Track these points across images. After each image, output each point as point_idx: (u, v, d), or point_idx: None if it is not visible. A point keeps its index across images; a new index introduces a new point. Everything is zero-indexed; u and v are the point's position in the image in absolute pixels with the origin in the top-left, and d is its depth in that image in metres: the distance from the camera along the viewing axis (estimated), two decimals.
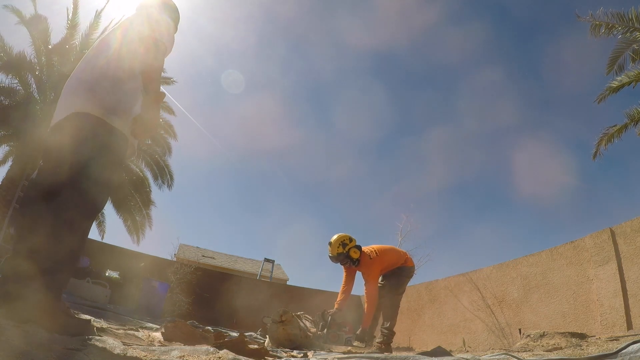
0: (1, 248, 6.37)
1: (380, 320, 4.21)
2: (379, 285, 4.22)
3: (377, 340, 4.04)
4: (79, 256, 1.79)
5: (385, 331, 4.00)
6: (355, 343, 3.91)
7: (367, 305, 3.98)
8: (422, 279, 8.52)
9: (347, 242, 4.06)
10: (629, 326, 4.15)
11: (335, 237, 4.10)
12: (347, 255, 4.02)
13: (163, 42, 1.86)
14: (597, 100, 7.58)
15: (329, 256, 4.10)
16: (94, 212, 1.76)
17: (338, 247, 4.03)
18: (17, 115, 7.78)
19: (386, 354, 2.97)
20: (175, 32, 2.17)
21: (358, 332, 4.00)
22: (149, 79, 1.76)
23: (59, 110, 1.77)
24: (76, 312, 3.09)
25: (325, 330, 3.92)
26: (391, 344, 4.06)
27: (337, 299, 4.18)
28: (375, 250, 4.15)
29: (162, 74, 9.40)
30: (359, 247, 4.09)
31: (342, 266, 4.23)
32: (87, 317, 2.26)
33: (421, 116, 34.44)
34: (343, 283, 4.30)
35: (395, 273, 4.20)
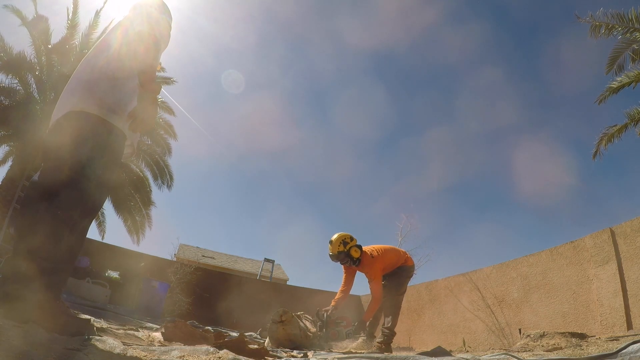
0: (1, 248, 6.37)
1: (381, 320, 4.20)
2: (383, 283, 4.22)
3: (378, 340, 4.04)
4: (78, 255, 1.79)
5: (387, 331, 4.00)
6: (360, 339, 3.90)
7: (372, 302, 3.98)
8: (422, 279, 8.52)
9: (348, 240, 4.05)
10: (629, 326, 4.15)
11: (336, 235, 4.09)
12: (348, 254, 4.01)
13: (163, 42, 1.86)
14: (598, 101, 7.58)
15: (330, 255, 4.09)
16: (92, 212, 1.76)
17: (339, 246, 4.02)
18: (17, 115, 7.77)
19: (386, 354, 2.97)
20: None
21: (356, 325, 4.00)
22: (149, 79, 1.74)
23: (57, 108, 1.78)
24: (76, 312, 3.09)
25: (324, 329, 3.91)
26: (391, 344, 4.06)
27: (335, 297, 4.17)
28: (376, 250, 4.15)
29: (163, 73, 9.34)
30: (359, 247, 4.07)
31: (342, 266, 4.22)
32: (87, 316, 2.26)
33: (421, 116, 34.47)
34: (342, 283, 4.29)
35: (395, 273, 4.21)
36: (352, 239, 4.07)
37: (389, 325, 4.01)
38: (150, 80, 1.73)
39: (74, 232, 1.65)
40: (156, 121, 9.32)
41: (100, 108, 1.69)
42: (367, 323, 4.04)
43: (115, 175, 1.79)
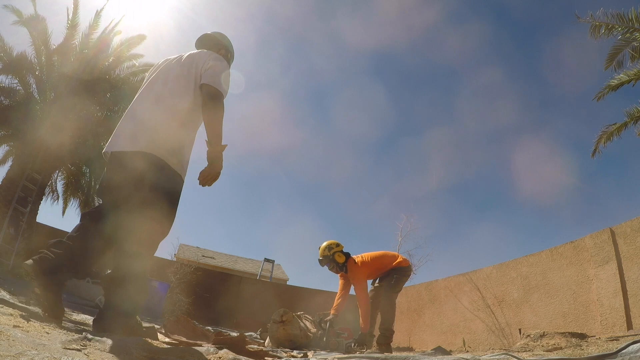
0: (1, 248, 6.37)
1: (379, 319, 4.25)
2: (377, 285, 4.36)
3: (377, 339, 4.07)
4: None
5: (384, 330, 4.02)
6: (354, 345, 3.93)
7: (361, 311, 4.07)
8: (422, 279, 8.52)
9: (334, 246, 4.27)
10: (629, 326, 4.15)
11: (324, 243, 4.32)
12: (332, 258, 4.20)
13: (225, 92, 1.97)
14: (597, 98, 7.56)
15: (318, 259, 4.32)
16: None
17: (324, 251, 4.24)
18: (17, 115, 7.76)
19: (386, 354, 2.98)
20: None
21: (358, 338, 4.05)
22: (218, 141, 1.85)
23: (120, 138, 1.87)
24: (76, 311, 3.09)
25: (325, 338, 3.95)
26: (391, 343, 4.07)
27: (334, 305, 4.28)
28: (363, 257, 4.34)
29: None
30: (346, 254, 4.26)
31: (336, 273, 4.39)
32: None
33: (421, 116, 34.46)
34: (339, 290, 4.43)
35: (390, 273, 4.31)
36: (338, 245, 4.30)
37: (387, 324, 4.06)
38: (220, 142, 1.85)
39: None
40: None
41: (167, 154, 1.83)
42: (368, 332, 4.11)
43: (173, 216, 1.94)
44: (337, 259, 4.20)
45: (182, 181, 1.95)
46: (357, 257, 4.32)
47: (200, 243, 28.71)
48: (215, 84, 1.84)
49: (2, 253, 6.34)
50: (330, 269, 4.32)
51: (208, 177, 1.83)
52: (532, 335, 3.64)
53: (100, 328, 1.71)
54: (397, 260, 4.37)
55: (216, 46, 2.24)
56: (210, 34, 2.28)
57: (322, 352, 3.02)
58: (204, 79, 1.87)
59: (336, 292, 4.44)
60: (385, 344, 3.98)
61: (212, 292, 8.39)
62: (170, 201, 1.87)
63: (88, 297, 5.95)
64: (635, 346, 1.64)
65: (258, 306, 8.04)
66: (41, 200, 8.16)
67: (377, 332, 4.23)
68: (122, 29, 8.48)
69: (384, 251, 4.55)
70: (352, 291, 4.47)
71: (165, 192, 1.83)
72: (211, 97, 1.83)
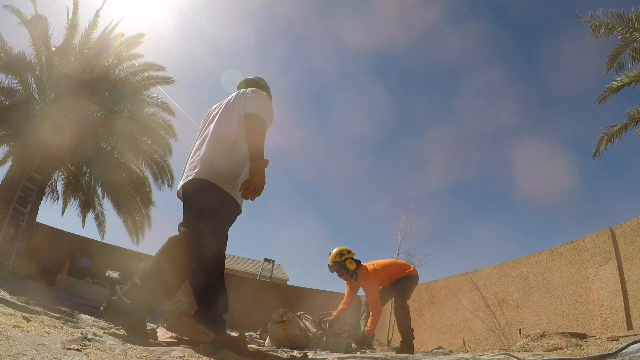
0: (1, 248, 6.37)
1: (391, 321, 4.35)
2: (382, 288, 4.40)
3: (404, 340, 4.21)
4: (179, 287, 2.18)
5: (409, 330, 4.19)
6: (354, 345, 3.97)
7: (372, 317, 4.10)
8: (422, 279, 8.48)
9: (345, 253, 4.27)
10: (629, 326, 4.16)
11: (335, 249, 4.33)
12: (343, 264, 4.21)
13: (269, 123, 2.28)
14: (597, 101, 7.55)
15: (328, 265, 4.32)
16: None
17: (335, 257, 4.25)
18: (17, 115, 7.75)
19: (389, 354, 2.98)
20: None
21: (359, 336, 4.08)
22: (260, 157, 2.07)
23: (187, 172, 2.22)
24: (76, 311, 3.10)
25: (325, 338, 3.96)
26: (412, 342, 4.23)
27: (338, 309, 4.32)
28: (374, 264, 4.38)
29: (163, 73, 9.26)
30: (357, 261, 4.27)
31: (344, 280, 4.41)
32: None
33: (421, 116, 34.43)
34: (345, 296, 4.45)
35: (401, 281, 4.40)
36: (349, 252, 4.31)
37: (407, 322, 4.21)
38: (260, 158, 2.07)
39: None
40: (156, 121, 9.31)
41: (218, 178, 2.09)
42: (371, 336, 4.20)
43: (221, 235, 2.19)
44: (348, 266, 4.20)
45: (234, 201, 2.17)
46: (369, 265, 4.33)
47: None
48: (252, 110, 2.18)
49: (2, 253, 6.34)
50: (339, 275, 4.32)
51: (248, 189, 2.03)
52: (532, 335, 3.64)
53: (108, 317, 1.92)
54: (409, 270, 4.49)
55: (257, 87, 2.58)
56: (252, 77, 2.70)
57: (322, 352, 3.02)
58: (245, 109, 2.21)
59: (335, 292, 4.48)
60: (411, 344, 4.16)
61: None
62: (213, 216, 2.07)
63: (88, 297, 5.95)
64: (635, 346, 1.64)
65: (258, 306, 8.04)
66: (41, 200, 8.15)
67: (377, 333, 4.26)
68: (122, 29, 8.46)
69: (393, 260, 4.68)
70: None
71: (210, 209, 2.06)
72: (248, 120, 2.16)
